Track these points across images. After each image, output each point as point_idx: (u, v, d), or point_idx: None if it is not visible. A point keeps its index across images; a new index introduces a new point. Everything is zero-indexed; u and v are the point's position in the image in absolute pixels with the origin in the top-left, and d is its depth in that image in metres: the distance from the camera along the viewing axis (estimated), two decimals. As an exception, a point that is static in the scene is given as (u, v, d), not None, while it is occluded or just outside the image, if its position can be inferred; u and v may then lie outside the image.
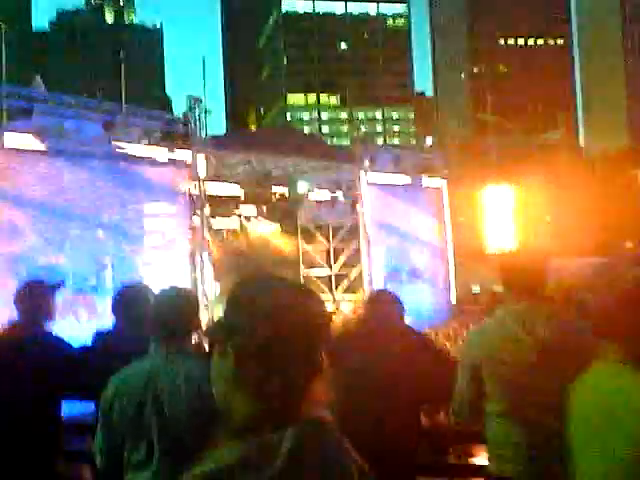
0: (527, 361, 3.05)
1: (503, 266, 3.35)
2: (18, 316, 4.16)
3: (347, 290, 19.63)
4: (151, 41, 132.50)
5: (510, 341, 3.12)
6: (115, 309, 4.17)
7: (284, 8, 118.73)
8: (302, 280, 20.22)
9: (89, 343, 4.27)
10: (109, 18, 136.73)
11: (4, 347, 4.09)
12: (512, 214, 26.38)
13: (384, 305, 4.24)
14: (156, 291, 3.47)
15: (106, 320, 4.62)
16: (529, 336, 3.07)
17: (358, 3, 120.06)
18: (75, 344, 4.30)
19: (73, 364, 4.01)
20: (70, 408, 4.34)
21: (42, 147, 11.81)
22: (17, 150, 11.45)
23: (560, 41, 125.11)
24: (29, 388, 3.84)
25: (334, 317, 15.03)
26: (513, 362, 3.09)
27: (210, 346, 1.52)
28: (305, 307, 1.46)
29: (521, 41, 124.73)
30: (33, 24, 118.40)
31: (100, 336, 4.25)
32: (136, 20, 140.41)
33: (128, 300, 4.12)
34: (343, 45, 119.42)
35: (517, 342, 3.09)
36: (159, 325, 3.05)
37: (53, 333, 4.23)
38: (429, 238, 20.08)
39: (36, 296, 4.16)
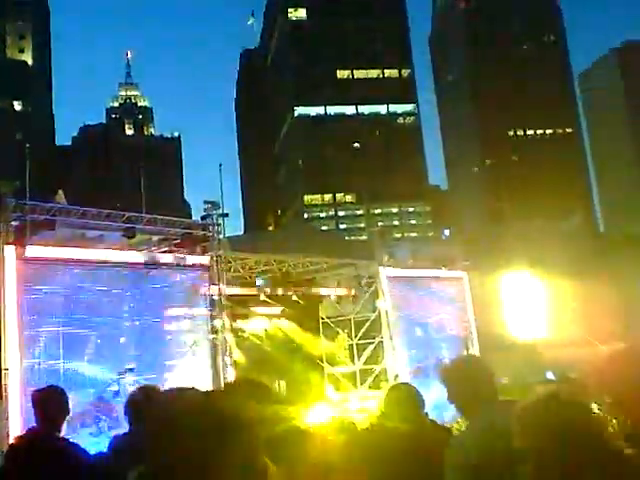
0: None
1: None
2: (35, 423, 4.13)
3: (372, 386, 19.26)
4: (170, 150, 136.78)
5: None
6: (125, 412, 4.15)
7: (297, 112, 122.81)
8: (326, 377, 19.94)
9: (106, 450, 4.21)
10: (129, 130, 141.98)
11: (21, 455, 4.05)
12: (537, 302, 26.06)
13: (399, 401, 4.16)
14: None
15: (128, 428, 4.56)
16: None
17: (368, 106, 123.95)
18: (94, 452, 4.24)
19: (88, 471, 3.94)
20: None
21: (64, 257, 12.04)
22: (40, 260, 11.68)
23: (569, 129, 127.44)
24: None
25: (359, 414, 14.63)
26: None
27: None
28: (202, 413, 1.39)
29: (530, 132, 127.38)
30: (56, 140, 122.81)
31: (116, 440, 4.19)
32: (155, 131, 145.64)
33: (135, 403, 4.09)
34: (356, 144, 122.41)
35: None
36: None
37: (70, 440, 4.18)
38: (452, 329, 19.86)
39: (52, 404, 4.13)
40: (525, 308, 25.76)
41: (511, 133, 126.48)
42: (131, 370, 11.94)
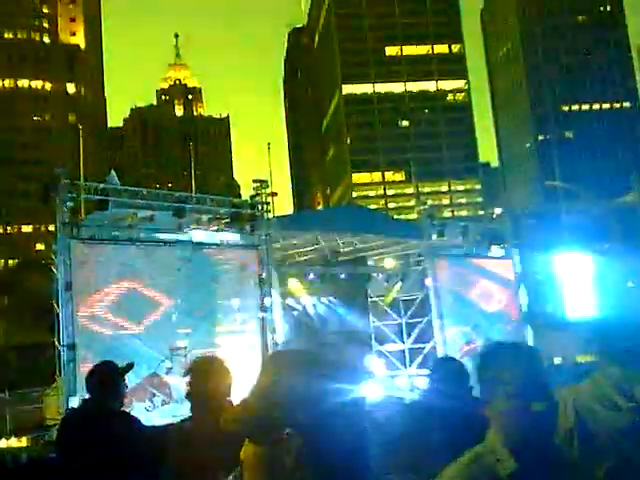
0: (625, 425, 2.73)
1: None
2: (89, 396, 4.29)
3: (422, 365, 19.18)
4: (219, 130, 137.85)
5: (606, 403, 2.81)
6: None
7: (345, 91, 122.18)
8: (375, 356, 19.98)
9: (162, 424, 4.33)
10: (179, 111, 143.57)
11: (72, 424, 4.24)
12: (591, 280, 25.52)
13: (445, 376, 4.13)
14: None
15: (180, 403, 4.67)
16: (629, 402, 2.75)
17: (417, 82, 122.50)
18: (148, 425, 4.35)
19: (140, 441, 4.06)
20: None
21: (117, 236, 12.32)
22: (94, 239, 11.99)
23: (626, 104, 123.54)
24: (94, 464, 3.89)
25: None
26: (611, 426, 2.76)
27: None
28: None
29: (585, 107, 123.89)
30: (108, 122, 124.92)
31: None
32: (204, 111, 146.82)
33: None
34: (405, 122, 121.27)
35: (614, 406, 2.77)
36: None
37: (122, 412, 4.32)
38: (503, 308, 19.60)
39: (104, 378, 4.26)
40: (578, 287, 25.26)
41: (565, 108, 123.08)
42: (184, 347, 12.17)
